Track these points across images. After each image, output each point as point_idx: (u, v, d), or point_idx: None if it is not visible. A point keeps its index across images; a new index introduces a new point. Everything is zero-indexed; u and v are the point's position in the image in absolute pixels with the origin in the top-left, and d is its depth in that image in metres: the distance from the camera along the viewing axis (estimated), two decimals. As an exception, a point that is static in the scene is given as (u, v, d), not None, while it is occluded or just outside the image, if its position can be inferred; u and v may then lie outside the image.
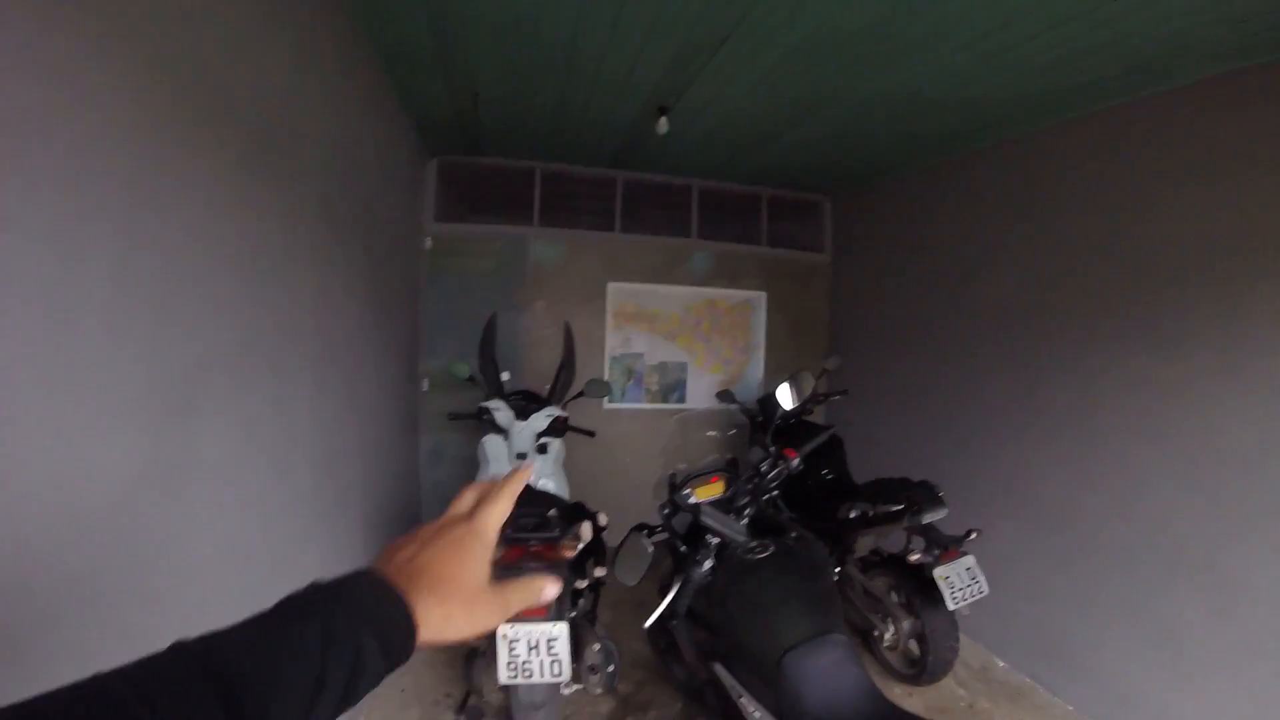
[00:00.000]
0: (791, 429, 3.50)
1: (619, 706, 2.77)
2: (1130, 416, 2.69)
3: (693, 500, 2.21)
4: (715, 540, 2.02)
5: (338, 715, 0.43)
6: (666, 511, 2.33)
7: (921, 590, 2.71)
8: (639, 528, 2.32)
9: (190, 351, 1.28)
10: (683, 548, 2.19)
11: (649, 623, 2.02)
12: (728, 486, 2.32)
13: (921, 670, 2.75)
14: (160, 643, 1.14)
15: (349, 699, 0.44)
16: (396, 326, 3.53)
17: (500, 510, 0.59)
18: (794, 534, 2.03)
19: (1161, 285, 2.60)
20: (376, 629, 0.46)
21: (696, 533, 2.26)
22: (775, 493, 2.35)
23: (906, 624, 2.80)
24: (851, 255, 4.93)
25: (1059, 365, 3.02)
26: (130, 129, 1.07)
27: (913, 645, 2.84)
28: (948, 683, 2.92)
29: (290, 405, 1.85)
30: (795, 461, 2.28)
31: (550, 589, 0.59)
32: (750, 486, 2.26)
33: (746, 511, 2.19)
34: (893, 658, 2.94)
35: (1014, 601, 3.05)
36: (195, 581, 1.28)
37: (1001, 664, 3.18)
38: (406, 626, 0.48)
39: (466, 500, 0.61)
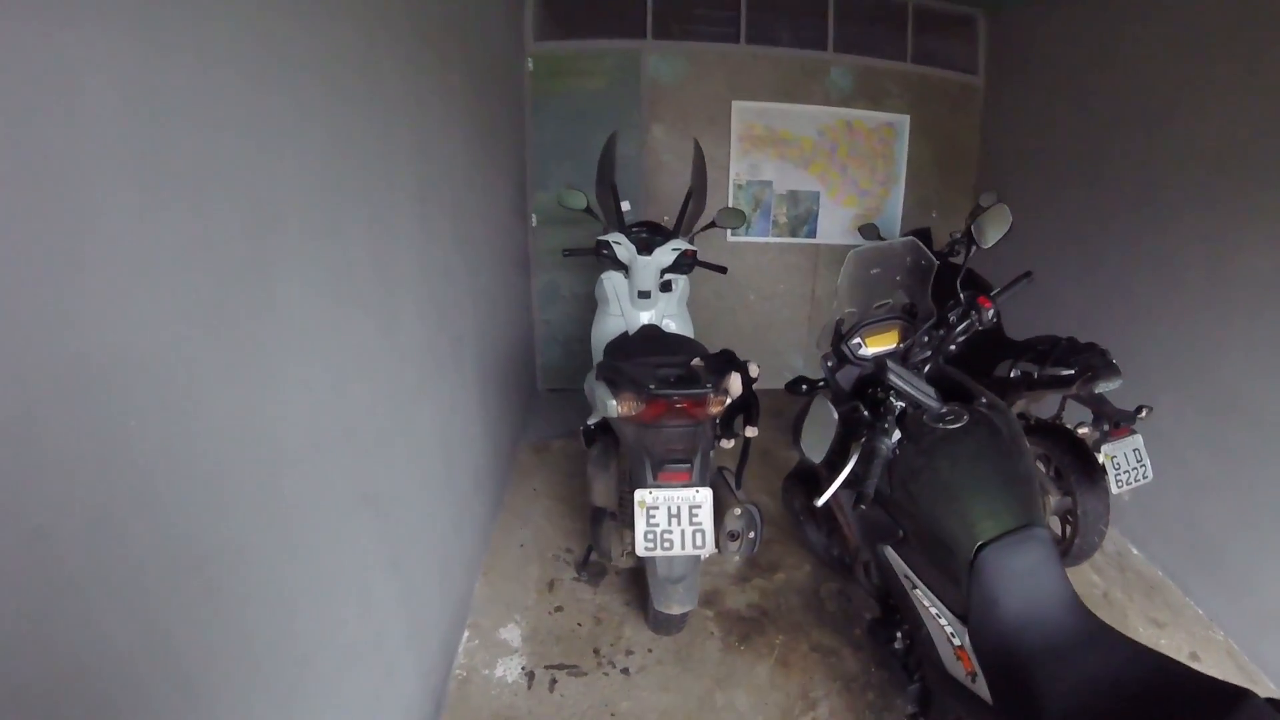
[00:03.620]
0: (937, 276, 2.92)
1: (745, 565, 2.61)
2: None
3: (866, 352, 1.81)
4: (899, 404, 1.59)
5: None
6: (831, 364, 1.92)
7: (1078, 466, 2.30)
8: (799, 382, 1.92)
9: (251, 193, 0.95)
10: (866, 413, 1.74)
11: (821, 500, 1.61)
12: (903, 337, 1.87)
13: (1065, 553, 2.38)
14: (246, 568, 0.77)
15: None
16: (503, 157, 3.11)
17: None
18: (984, 399, 1.59)
19: None
20: None
21: (863, 391, 1.82)
22: (956, 349, 1.84)
23: (1054, 500, 2.41)
24: (1010, 79, 3.95)
25: (1261, 229, 2.27)
26: None
27: (1055, 522, 2.47)
28: (1084, 567, 2.57)
29: (390, 249, 1.54)
30: (990, 313, 1.77)
31: None
32: (928, 339, 1.80)
33: (925, 369, 1.76)
34: (1034, 536, 2.59)
35: (1162, 487, 2.53)
36: (288, 470, 1.05)
37: (1136, 552, 2.78)
38: None
39: None
